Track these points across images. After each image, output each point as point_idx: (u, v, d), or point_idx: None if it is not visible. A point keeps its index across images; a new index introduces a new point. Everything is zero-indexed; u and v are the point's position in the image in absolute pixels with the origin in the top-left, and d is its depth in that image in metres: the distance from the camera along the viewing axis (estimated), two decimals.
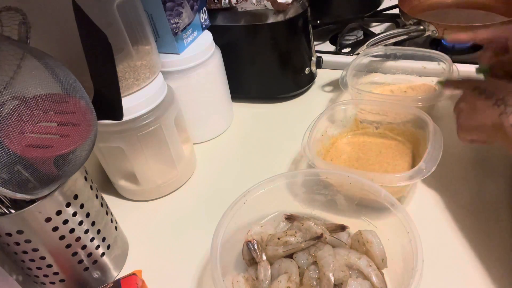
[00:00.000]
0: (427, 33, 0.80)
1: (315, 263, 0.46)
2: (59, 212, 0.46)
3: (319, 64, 0.82)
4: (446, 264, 0.49)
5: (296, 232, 0.49)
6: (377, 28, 0.99)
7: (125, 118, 0.53)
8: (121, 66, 0.56)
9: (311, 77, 0.84)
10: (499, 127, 0.40)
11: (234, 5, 0.77)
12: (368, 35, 0.93)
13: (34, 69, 0.41)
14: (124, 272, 0.56)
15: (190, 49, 0.68)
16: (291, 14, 0.74)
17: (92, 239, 0.51)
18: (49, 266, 0.49)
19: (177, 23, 0.63)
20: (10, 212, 0.46)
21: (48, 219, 0.45)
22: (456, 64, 0.68)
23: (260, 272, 0.47)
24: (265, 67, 0.80)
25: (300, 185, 0.54)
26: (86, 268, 0.52)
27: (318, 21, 0.97)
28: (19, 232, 0.44)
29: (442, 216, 0.54)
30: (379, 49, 0.76)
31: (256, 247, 0.49)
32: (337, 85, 0.79)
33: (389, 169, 0.58)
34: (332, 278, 0.43)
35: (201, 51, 0.68)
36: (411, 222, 0.42)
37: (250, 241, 0.49)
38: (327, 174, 0.51)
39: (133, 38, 0.57)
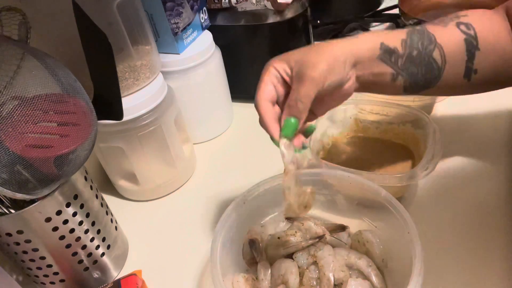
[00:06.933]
0: None
1: (315, 263, 0.46)
2: (59, 212, 0.46)
3: None
4: (446, 264, 0.49)
5: (296, 232, 0.49)
6: (377, 28, 0.99)
7: (125, 118, 0.52)
8: (121, 66, 0.56)
9: None
10: None
11: (234, 5, 0.77)
12: None
13: (34, 69, 0.41)
14: (124, 272, 0.56)
15: (190, 49, 0.68)
16: (291, 14, 0.74)
17: (92, 239, 0.51)
18: (49, 266, 0.49)
19: (177, 23, 0.63)
20: (10, 212, 0.46)
21: (48, 219, 0.45)
22: None
23: (260, 272, 0.47)
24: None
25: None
26: (86, 268, 0.52)
27: (318, 21, 0.97)
28: (19, 232, 0.44)
29: (442, 216, 0.54)
30: None
31: (256, 246, 0.49)
32: None
33: (389, 169, 0.58)
34: (332, 278, 0.43)
35: (201, 51, 0.68)
36: (411, 222, 0.42)
37: (251, 240, 0.49)
38: (327, 174, 0.51)
39: (133, 38, 0.57)
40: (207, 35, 0.71)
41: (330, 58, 0.39)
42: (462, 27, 0.42)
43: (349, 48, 0.40)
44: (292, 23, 0.75)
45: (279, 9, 0.75)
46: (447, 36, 0.43)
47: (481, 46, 0.43)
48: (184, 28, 0.65)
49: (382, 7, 1.02)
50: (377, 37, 0.42)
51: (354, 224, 0.50)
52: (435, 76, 0.44)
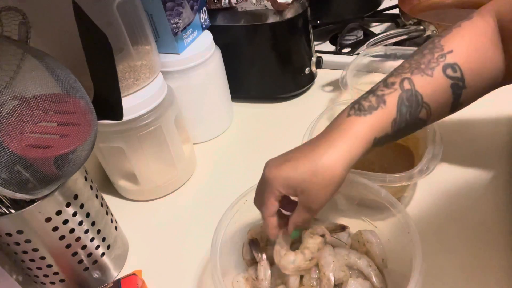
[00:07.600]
0: (427, 33, 0.80)
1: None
2: (59, 212, 0.46)
3: (319, 64, 0.82)
4: (446, 264, 0.49)
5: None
6: (377, 28, 0.99)
7: (125, 118, 0.52)
8: (121, 66, 0.56)
9: (311, 77, 0.84)
10: None
11: (234, 5, 0.77)
12: (368, 35, 0.93)
13: (34, 69, 0.41)
14: (124, 272, 0.56)
15: (190, 49, 0.68)
16: (291, 14, 0.74)
17: (92, 239, 0.51)
18: (49, 266, 0.49)
19: (177, 23, 0.63)
20: (10, 212, 0.46)
21: (48, 219, 0.45)
22: None
23: (260, 272, 0.47)
24: (265, 67, 0.80)
25: None
26: (86, 268, 0.52)
27: (318, 21, 0.97)
28: (19, 232, 0.44)
29: (442, 216, 0.54)
30: (379, 49, 0.76)
31: (256, 246, 0.49)
32: (337, 85, 0.79)
33: (389, 169, 0.58)
34: (332, 278, 0.43)
35: (201, 51, 0.68)
36: (411, 222, 0.42)
37: (252, 240, 0.49)
38: None
39: (133, 38, 0.57)
40: (207, 35, 0.71)
41: (334, 182, 0.39)
42: (449, 71, 0.41)
43: (348, 160, 0.39)
44: (292, 23, 0.75)
45: (279, 9, 0.75)
46: (434, 89, 0.41)
47: (468, 83, 0.41)
48: (184, 28, 0.65)
49: (382, 7, 1.02)
50: (371, 129, 0.39)
51: (354, 224, 0.50)
52: (419, 128, 0.44)
